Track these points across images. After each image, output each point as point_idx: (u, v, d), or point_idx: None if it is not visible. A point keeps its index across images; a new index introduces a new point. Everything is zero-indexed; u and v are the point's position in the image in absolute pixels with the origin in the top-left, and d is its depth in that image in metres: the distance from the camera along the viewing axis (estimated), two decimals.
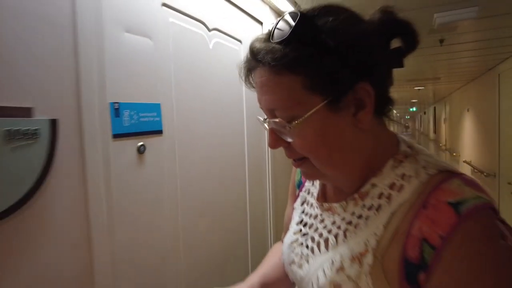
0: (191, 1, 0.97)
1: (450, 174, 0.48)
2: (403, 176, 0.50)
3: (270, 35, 0.47)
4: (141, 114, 0.78)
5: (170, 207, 0.89)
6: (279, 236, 1.50)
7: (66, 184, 0.61)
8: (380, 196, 0.51)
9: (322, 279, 0.52)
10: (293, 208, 0.69)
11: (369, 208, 0.51)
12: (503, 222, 0.47)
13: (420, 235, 0.45)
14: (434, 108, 9.71)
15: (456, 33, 2.12)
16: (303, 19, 0.45)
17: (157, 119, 0.83)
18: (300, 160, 0.52)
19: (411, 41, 0.52)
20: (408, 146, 0.54)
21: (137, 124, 0.77)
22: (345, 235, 0.52)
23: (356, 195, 0.53)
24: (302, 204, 0.65)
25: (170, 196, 0.89)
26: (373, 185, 0.52)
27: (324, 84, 0.46)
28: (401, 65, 0.54)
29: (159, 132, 0.84)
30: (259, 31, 1.43)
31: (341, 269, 0.50)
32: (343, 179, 0.54)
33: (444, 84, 5.36)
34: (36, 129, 0.55)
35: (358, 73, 0.46)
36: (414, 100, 9.05)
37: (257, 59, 0.47)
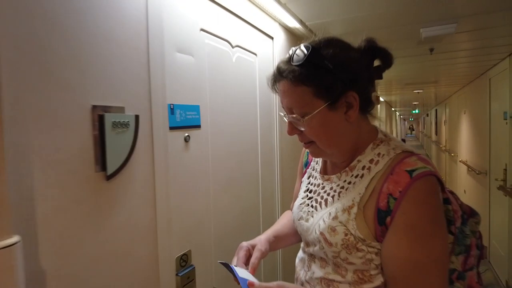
0: (220, 26, 1.24)
1: (410, 153, 0.75)
2: (379, 154, 0.77)
3: (290, 58, 0.74)
4: (187, 113, 1.06)
5: (204, 181, 1.16)
6: (285, 206, 1.78)
7: (142, 159, 0.89)
8: (363, 168, 0.77)
9: (322, 225, 0.77)
10: (301, 182, 0.96)
11: (356, 177, 0.77)
12: (443, 187, 0.73)
13: (387, 191, 0.70)
14: (436, 110, 9.89)
15: (444, 43, 2.38)
16: (313, 50, 0.72)
17: (197, 116, 1.11)
18: (309, 143, 0.79)
19: (387, 61, 0.79)
20: (384, 135, 0.81)
21: (185, 120, 1.05)
22: (339, 196, 0.79)
23: (347, 168, 0.80)
24: (309, 177, 0.92)
25: (205, 173, 1.16)
26: (359, 161, 0.78)
27: (325, 92, 0.73)
28: (380, 77, 0.81)
29: (198, 126, 1.12)
30: (270, 45, 1.70)
31: (335, 217, 0.75)
32: (338, 156, 0.81)
33: (443, 87, 5.58)
34: (127, 121, 0.83)
35: (348, 85, 0.73)
36: (415, 102, 9.25)
37: (282, 75, 0.75)
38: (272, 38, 1.70)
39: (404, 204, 0.67)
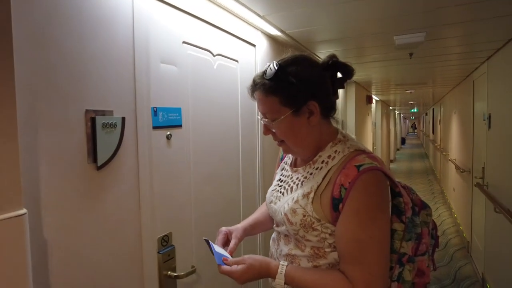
0: (201, 37, 1.41)
1: (361, 151, 0.91)
2: (335, 151, 0.94)
3: (264, 73, 0.92)
4: (169, 114, 1.23)
5: (186, 174, 1.34)
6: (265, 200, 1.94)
7: (128, 152, 1.07)
8: (322, 162, 0.94)
9: (286, 208, 0.94)
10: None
11: (316, 169, 0.94)
12: (394, 182, 0.89)
13: (340, 182, 0.85)
14: (433, 109, 10.01)
15: (423, 48, 2.53)
16: (280, 67, 0.89)
17: (178, 117, 1.29)
18: (280, 142, 0.98)
19: (347, 74, 0.95)
20: (343, 136, 0.98)
21: (167, 120, 1.22)
22: (301, 184, 0.96)
23: (310, 162, 0.97)
24: (282, 170, 1.11)
25: (186, 167, 1.34)
26: (320, 156, 0.95)
27: (289, 102, 0.91)
28: (342, 87, 0.98)
29: (180, 126, 1.30)
30: (253, 51, 1.86)
31: (296, 201, 0.92)
32: (303, 153, 0.99)
33: (437, 87, 5.71)
34: (115, 122, 1.00)
35: (308, 96, 0.90)
36: (411, 102, 9.36)
37: (256, 86, 0.93)
38: (254, 45, 1.87)
39: (352, 193, 0.83)
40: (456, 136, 5.08)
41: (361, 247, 0.83)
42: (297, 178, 0.99)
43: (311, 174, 0.95)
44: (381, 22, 1.90)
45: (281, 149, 1.17)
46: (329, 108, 0.96)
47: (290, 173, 1.04)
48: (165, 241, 1.23)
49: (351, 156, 0.89)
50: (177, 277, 1.24)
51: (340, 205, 0.85)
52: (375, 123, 7.35)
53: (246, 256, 0.93)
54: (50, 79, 0.84)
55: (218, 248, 1.01)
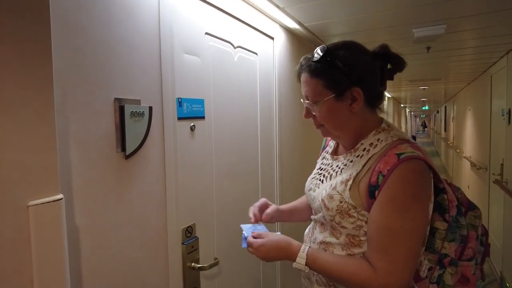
0: (223, 29, 1.41)
1: (404, 140, 0.89)
2: (378, 140, 0.92)
3: (312, 56, 0.92)
4: (193, 105, 1.23)
5: (208, 166, 1.34)
6: (283, 191, 1.94)
7: (155, 143, 1.07)
8: (364, 149, 0.93)
9: (323, 194, 0.94)
10: None
11: (357, 156, 0.93)
12: (437, 175, 0.86)
13: (378, 169, 0.84)
14: (445, 107, 9.87)
15: (440, 42, 2.48)
16: (327, 50, 0.89)
17: (201, 109, 1.28)
18: (320, 126, 0.97)
19: (398, 65, 0.93)
20: (387, 125, 0.96)
21: (191, 112, 1.22)
22: (341, 171, 0.95)
23: (352, 150, 0.96)
24: (322, 159, 1.11)
25: (208, 159, 1.34)
26: (361, 144, 0.94)
27: (333, 85, 0.90)
28: (391, 78, 0.95)
29: (203, 117, 1.29)
30: (271, 44, 1.85)
31: (334, 188, 0.92)
32: (343, 138, 0.98)
33: (451, 84, 5.63)
34: (143, 111, 1.00)
35: (353, 82, 0.89)
36: (424, 99, 9.24)
37: (302, 68, 0.93)
38: (272, 38, 1.86)
39: (389, 180, 0.81)
40: (471, 133, 5.00)
41: (390, 235, 0.81)
42: (337, 166, 0.98)
43: (351, 161, 0.94)
44: (400, 14, 1.88)
45: (324, 140, 1.17)
46: (374, 97, 0.94)
47: (330, 161, 1.04)
48: (189, 232, 1.23)
49: (393, 144, 0.87)
50: (200, 268, 1.23)
51: (376, 192, 0.83)
52: (386, 117, 7.27)
53: (269, 232, 0.95)
54: (79, 66, 0.84)
55: (247, 227, 1.04)
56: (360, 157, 0.92)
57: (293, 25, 1.94)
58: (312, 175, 1.09)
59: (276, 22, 1.88)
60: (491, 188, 3.61)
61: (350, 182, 0.88)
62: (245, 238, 0.99)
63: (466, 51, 2.97)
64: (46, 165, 0.69)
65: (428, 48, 2.59)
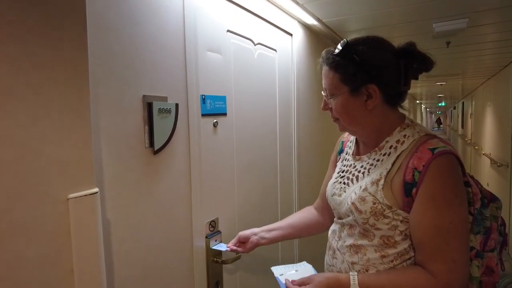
0: (243, 26, 1.42)
1: (432, 136, 0.88)
2: (404, 136, 0.90)
3: (334, 49, 0.91)
4: (215, 102, 1.25)
5: (230, 162, 1.36)
6: (301, 189, 1.95)
7: (181, 139, 1.09)
8: (391, 147, 0.91)
9: (353, 197, 0.91)
10: (330, 177, 1.11)
11: (384, 155, 0.91)
12: (463, 169, 0.85)
13: (413, 166, 0.83)
14: (463, 103, 9.65)
15: (461, 36, 2.44)
16: (347, 45, 0.89)
17: (224, 106, 1.30)
18: (336, 119, 0.97)
19: (423, 65, 0.90)
20: (410, 121, 0.94)
21: (214, 108, 1.24)
22: (368, 172, 0.93)
23: (376, 148, 0.94)
24: (342, 161, 1.08)
25: (230, 155, 1.36)
26: (387, 141, 0.92)
27: (348, 80, 0.89)
28: (416, 77, 0.92)
29: (225, 114, 1.31)
30: (290, 41, 1.86)
31: (365, 189, 0.89)
32: (360, 134, 0.98)
33: (469, 79, 5.51)
34: (170, 108, 1.03)
35: (370, 78, 0.87)
36: (440, 95, 9.07)
37: (322, 60, 0.94)
38: (291, 34, 1.86)
39: (427, 177, 0.80)
40: (491, 129, 4.89)
41: (441, 234, 0.79)
42: (362, 167, 0.96)
43: (378, 160, 0.92)
44: (419, 9, 1.85)
45: (338, 144, 1.16)
46: (394, 96, 0.92)
47: (352, 162, 1.01)
48: (212, 226, 1.25)
49: (422, 140, 0.86)
50: (223, 262, 1.26)
51: (414, 190, 0.82)
52: (408, 114, 7.16)
53: (311, 275, 0.92)
54: (109, 65, 0.87)
55: (279, 273, 1.02)
56: (388, 155, 0.90)
57: (311, 21, 1.94)
58: (333, 179, 1.05)
59: (294, 18, 1.88)
60: None
61: (381, 182, 0.86)
62: (282, 283, 0.95)
63: (487, 45, 2.90)
64: (82, 160, 0.72)
65: (448, 43, 2.55)
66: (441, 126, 28.64)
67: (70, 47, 0.69)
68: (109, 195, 0.87)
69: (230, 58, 1.34)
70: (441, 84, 5.80)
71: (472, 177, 0.94)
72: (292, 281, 0.93)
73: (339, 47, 0.89)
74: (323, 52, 0.95)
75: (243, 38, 1.42)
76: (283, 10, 1.74)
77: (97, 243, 0.74)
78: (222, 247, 1.06)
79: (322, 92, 0.99)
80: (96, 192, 0.74)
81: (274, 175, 1.74)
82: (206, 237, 1.22)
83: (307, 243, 2.04)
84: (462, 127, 9.44)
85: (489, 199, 0.93)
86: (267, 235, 1.17)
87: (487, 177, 5.15)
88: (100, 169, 0.85)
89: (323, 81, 0.95)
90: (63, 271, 0.68)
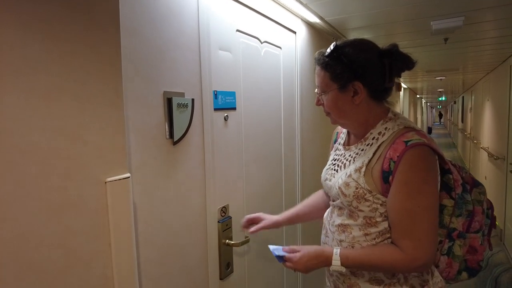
0: (251, 25, 1.52)
1: (411, 129, 0.98)
2: (386, 128, 1.01)
3: (326, 51, 1.02)
4: (226, 98, 1.35)
5: (238, 153, 1.46)
6: (305, 179, 2.06)
7: (196, 131, 1.20)
8: (373, 138, 1.02)
9: (340, 182, 1.03)
10: None
11: (367, 145, 1.02)
12: (442, 158, 0.96)
13: (389, 156, 0.94)
14: (463, 97, 9.72)
15: (458, 33, 2.52)
16: (335, 47, 1.00)
17: (233, 101, 1.40)
18: (328, 113, 1.08)
19: (405, 64, 1.00)
20: (393, 115, 1.05)
21: (224, 103, 1.34)
22: (353, 160, 1.04)
23: (362, 139, 1.05)
24: (335, 150, 1.19)
25: (239, 146, 1.46)
26: (371, 133, 1.03)
27: (337, 78, 1.00)
28: (399, 75, 1.04)
29: (234, 108, 1.41)
30: (293, 38, 1.95)
31: (349, 176, 1.01)
32: (350, 126, 1.09)
33: (469, 74, 5.58)
34: (187, 103, 1.13)
35: (356, 76, 0.98)
36: (440, 89, 9.13)
37: (316, 61, 1.04)
38: (295, 32, 1.95)
39: (400, 166, 0.91)
40: (489, 123, 4.97)
41: (409, 216, 0.91)
42: (349, 155, 1.07)
43: (362, 150, 1.03)
44: (418, 7, 1.94)
45: (333, 134, 1.27)
46: (379, 92, 1.02)
47: (342, 151, 1.12)
48: (223, 211, 1.36)
49: (400, 132, 0.96)
50: (233, 245, 1.37)
51: (390, 178, 0.93)
52: (402, 111, 7.26)
53: (302, 246, 1.05)
54: (135, 63, 0.97)
55: (274, 247, 1.11)
56: (370, 146, 1.01)
57: (314, 19, 2.03)
58: (327, 166, 1.18)
59: (298, 17, 1.97)
60: (508, 177, 3.63)
61: (363, 169, 0.98)
62: (278, 256, 1.06)
63: (484, 41, 2.98)
64: (118, 148, 0.82)
65: (446, 40, 2.63)
66: (442, 119, 28.69)
67: (107, 48, 0.79)
68: (135, 181, 0.98)
69: (239, 56, 1.44)
70: (441, 79, 5.87)
71: (455, 164, 1.04)
72: (283, 248, 1.07)
73: (329, 49, 1.00)
74: (316, 53, 1.06)
75: (250, 37, 1.52)
76: (287, 9, 1.83)
77: (130, 222, 0.84)
78: (278, 250, 1.08)
79: (316, 89, 1.10)
80: (129, 177, 0.84)
81: (279, 165, 1.84)
82: (218, 222, 1.33)
83: (309, 229, 2.15)
84: (462, 121, 9.52)
85: (471, 184, 1.04)
86: (285, 222, 1.31)
87: (485, 170, 5.25)
88: (129, 157, 0.95)
89: (316, 79, 1.06)
90: (103, 244, 0.79)
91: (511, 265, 3.43)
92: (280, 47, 1.79)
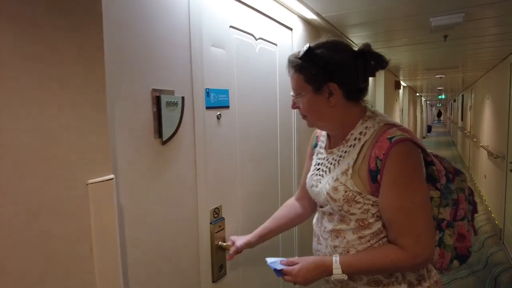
0: (245, 21, 1.48)
1: (391, 125, 0.97)
2: (366, 127, 1.00)
3: (298, 53, 1.00)
4: (219, 96, 1.31)
5: (232, 152, 1.43)
6: (300, 176, 2.01)
7: (187, 130, 1.16)
8: (355, 139, 1.01)
9: (327, 187, 1.01)
10: (310, 162, 1.20)
11: (350, 146, 1.01)
12: (425, 151, 0.95)
13: (375, 155, 0.92)
14: (462, 96, 9.69)
15: (458, 30, 2.48)
16: (309, 49, 0.97)
17: (226, 99, 1.37)
18: (304, 116, 1.05)
19: (379, 63, 1.00)
20: (371, 113, 1.04)
21: (217, 101, 1.30)
22: (338, 163, 1.02)
23: (343, 141, 1.03)
24: (317, 155, 1.17)
25: (232, 146, 1.42)
26: (352, 134, 1.02)
27: (311, 80, 0.98)
28: (373, 75, 1.03)
29: (227, 107, 1.38)
30: (290, 35, 1.91)
31: (336, 179, 0.99)
32: (328, 128, 1.07)
33: (469, 72, 5.54)
34: (176, 101, 1.09)
35: (330, 77, 0.97)
36: (440, 88, 9.10)
37: (289, 63, 1.02)
38: (291, 29, 1.91)
39: (387, 164, 0.89)
40: (489, 121, 4.94)
41: (404, 213, 0.89)
42: (333, 159, 1.04)
43: (345, 152, 1.01)
44: (417, 3, 1.90)
45: (313, 138, 1.24)
46: (354, 92, 1.01)
47: (325, 155, 1.09)
48: (216, 213, 1.33)
49: (382, 129, 0.95)
50: (227, 247, 1.33)
51: (378, 176, 0.91)
52: (402, 109, 7.23)
53: (300, 257, 1.02)
54: (122, 60, 0.93)
55: (272, 261, 1.08)
56: (353, 147, 0.99)
57: (311, 16, 1.99)
58: (311, 172, 1.14)
59: (294, 13, 1.93)
60: (508, 176, 3.60)
61: (350, 171, 0.96)
62: (276, 270, 1.03)
63: (484, 38, 2.95)
64: (100, 148, 0.78)
65: (445, 37, 2.59)
66: (441, 117, 28.64)
67: (89, 46, 0.75)
68: (122, 182, 0.94)
69: (233, 53, 1.40)
70: (441, 77, 5.84)
71: (436, 155, 1.04)
72: (281, 261, 1.04)
73: (302, 51, 0.98)
74: (289, 56, 1.04)
75: (245, 34, 1.48)
76: (283, 5, 1.79)
77: (113, 225, 0.81)
78: (276, 263, 1.06)
79: (291, 92, 1.07)
80: (112, 178, 0.81)
81: (275, 165, 1.81)
82: (210, 223, 1.29)
83: (307, 234, 2.11)
84: (462, 119, 9.48)
85: (453, 173, 1.04)
86: (258, 241, 1.30)
87: (484, 168, 5.22)
88: (114, 157, 0.92)
89: (291, 82, 1.04)
90: (83, 249, 0.75)
91: (511, 265, 3.41)
92: (276, 44, 1.75)
